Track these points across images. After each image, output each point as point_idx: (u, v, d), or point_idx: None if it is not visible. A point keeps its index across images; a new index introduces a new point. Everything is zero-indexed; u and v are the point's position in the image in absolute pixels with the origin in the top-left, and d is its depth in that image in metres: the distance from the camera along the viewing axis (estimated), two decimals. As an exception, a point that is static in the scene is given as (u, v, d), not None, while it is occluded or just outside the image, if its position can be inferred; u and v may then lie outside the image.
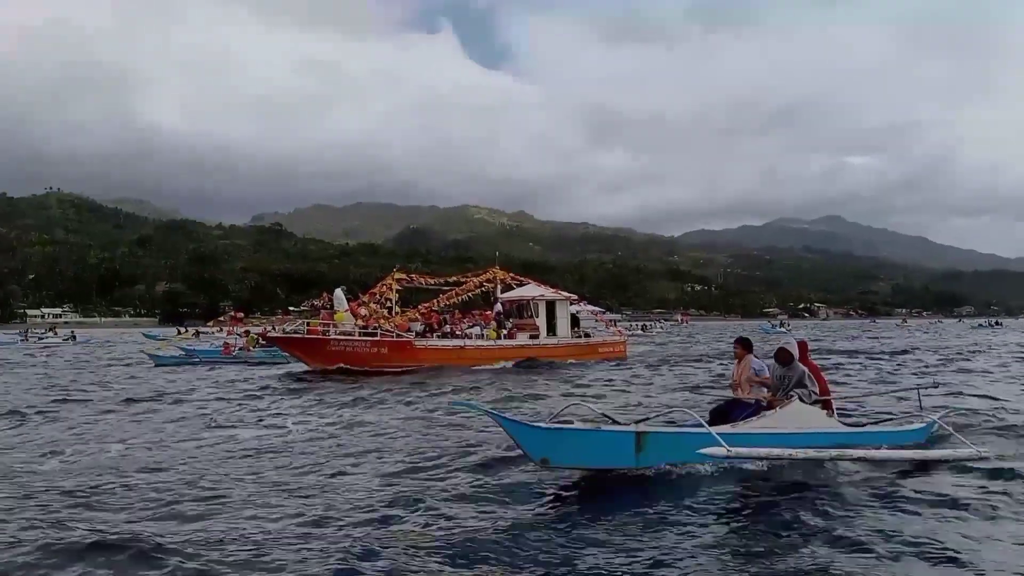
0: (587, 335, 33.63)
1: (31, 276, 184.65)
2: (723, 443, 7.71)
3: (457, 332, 29.69)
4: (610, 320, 41.84)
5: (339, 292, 29.00)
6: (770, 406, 8.68)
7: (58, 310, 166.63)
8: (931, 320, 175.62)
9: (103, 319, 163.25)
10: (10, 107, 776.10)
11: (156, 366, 30.08)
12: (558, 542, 6.05)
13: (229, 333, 35.76)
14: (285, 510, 7.06)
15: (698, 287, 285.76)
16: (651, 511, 6.82)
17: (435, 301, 31.84)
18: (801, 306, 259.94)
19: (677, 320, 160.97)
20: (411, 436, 11.33)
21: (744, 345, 9.30)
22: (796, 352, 8.92)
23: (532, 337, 30.65)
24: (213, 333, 58.30)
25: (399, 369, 25.60)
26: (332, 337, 26.91)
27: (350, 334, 27.07)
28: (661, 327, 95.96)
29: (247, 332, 35.35)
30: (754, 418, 8.48)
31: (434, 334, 29.01)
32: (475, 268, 36.04)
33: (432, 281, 33.53)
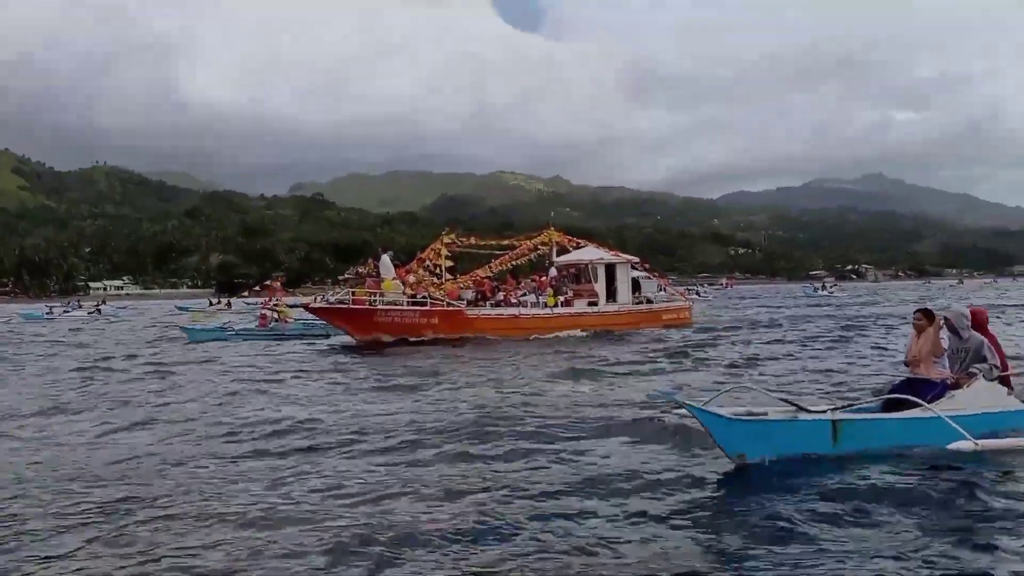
0: (649, 300, 31.49)
1: (87, 249, 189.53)
2: (967, 435, 7.08)
3: (511, 299, 27.71)
4: (676, 283, 39.46)
5: (386, 258, 26.74)
6: (955, 385, 7.86)
7: (119, 282, 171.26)
8: (985, 280, 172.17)
9: (161, 290, 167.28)
10: (56, 79, 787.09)
11: (190, 342, 28.14)
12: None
13: (264, 305, 33.25)
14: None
15: (742, 250, 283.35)
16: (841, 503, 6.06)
17: (487, 267, 30.42)
18: (848, 267, 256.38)
19: (722, 284, 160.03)
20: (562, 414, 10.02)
21: (927, 315, 8.23)
22: (969, 319, 8.12)
23: (591, 304, 28.73)
24: (240, 303, 57.60)
25: (450, 338, 24.22)
26: (379, 307, 25.24)
27: (398, 303, 25.38)
28: (705, 292, 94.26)
29: (275, 305, 32.77)
30: (943, 399, 7.65)
31: (487, 302, 27.29)
32: (515, 235, 33.45)
33: (484, 244, 31.45)
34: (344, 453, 8.22)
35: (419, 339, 24.46)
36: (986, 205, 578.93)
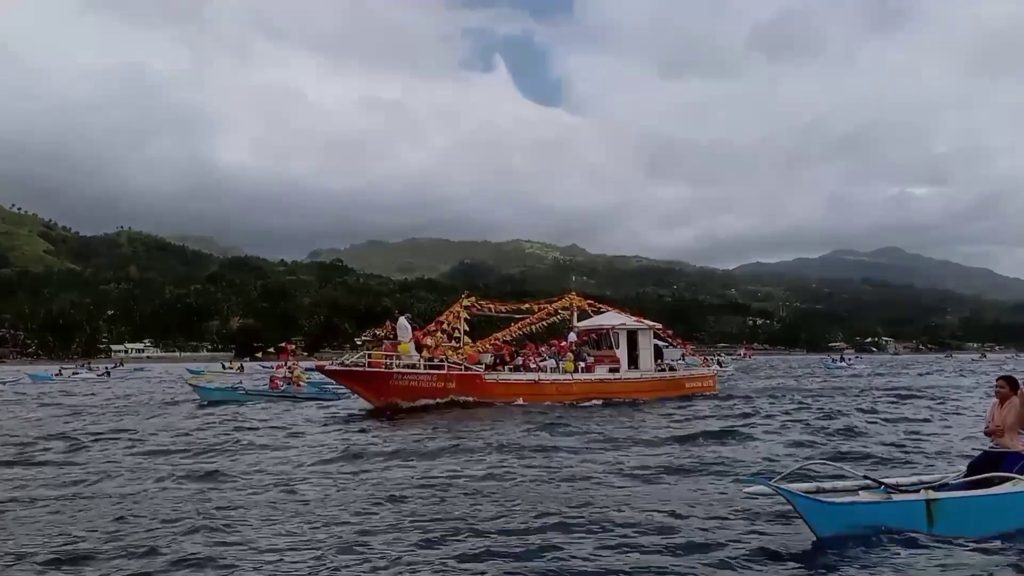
0: (671, 368, 31.00)
1: (110, 312, 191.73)
2: None
3: (531, 364, 27.24)
4: (698, 351, 38.01)
5: (403, 320, 26.20)
6: None
7: (140, 345, 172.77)
8: (1008, 354, 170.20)
9: (182, 353, 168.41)
10: (88, 148, 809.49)
11: (203, 403, 27.93)
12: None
13: (278, 367, 33.20)
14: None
15: (760, 320, 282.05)
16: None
17: (507, 330, 29.94)
18: (868, 340, 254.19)
19: (740, 355, 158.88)
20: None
21: (1011, 383, 7.84)
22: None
23: (612, 370, 28.10)
24: (256, 366, 57.51)
25: (465, 402, 23.97)
26: (395, 370, 24.62)
27: (415, 366, 24.86)
28: (725, 362, 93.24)
29: (291, 366, 32.73)
30: None
31: (505, 366, 26.76)
32: (533, 301, 33.35)
33: (503, 308, 30.74)
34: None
35: (435, 402, 24.08)
36: (1006, 280, 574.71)
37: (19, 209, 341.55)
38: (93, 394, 38.32)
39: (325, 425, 19.68)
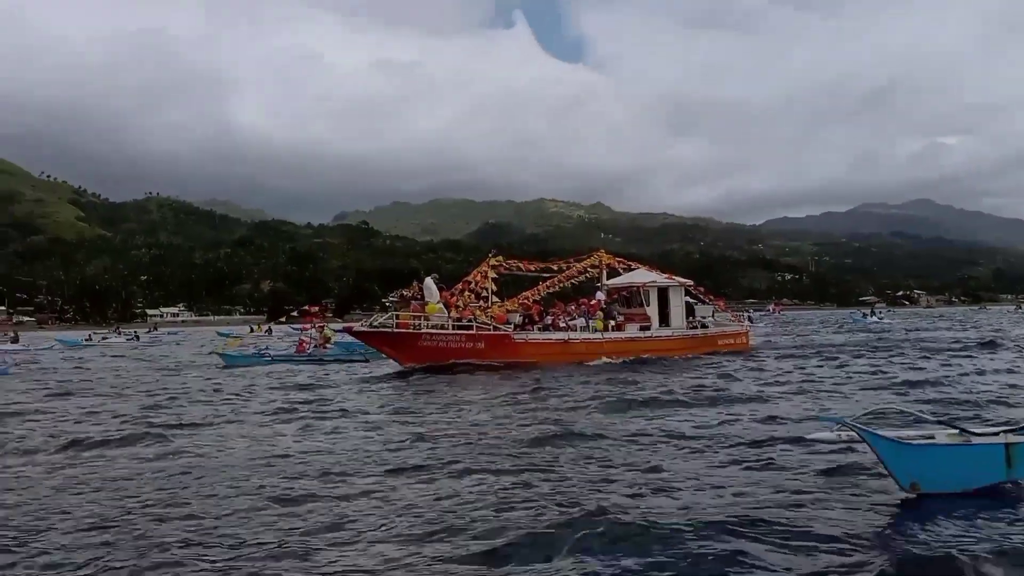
0: (703, 325, 30.27)
1: (143, 277, 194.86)
2: None
3: (559, 324, 26.81)
4: (729, 307, 36.74)
5: (430, 281, 26.01)
6: None
7: (175, 309, 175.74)
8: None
9: (216, 317, 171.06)
10: (110, 112, 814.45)
11: (226, 367, 28.03)
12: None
13: (303, 329, 32.82)
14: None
15: (788, 276, 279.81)
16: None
17: (535, 290, 29.70)
18: (899, 293, 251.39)
19: (770, 310, 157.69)
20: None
21: None
22: None
23: (643, 329, 27.75)
24: (285, 328, 58.06)
25: (496, 365, 23.61)
26: (424, 331, 24.57)
27: (443, 327, 24.77)
28: (757, 317, 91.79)
29: (318, 326, 32.85)
30: None
31: (534, 326, 26.45)
32: (560, 260, 32.46)
33: (532, 267, 30.06)
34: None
35: (465, 362, 23.94)
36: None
37: (49, 176, 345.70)
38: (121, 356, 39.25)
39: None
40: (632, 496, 7.19)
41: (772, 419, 11.60)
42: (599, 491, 7.40)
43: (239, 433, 11.98)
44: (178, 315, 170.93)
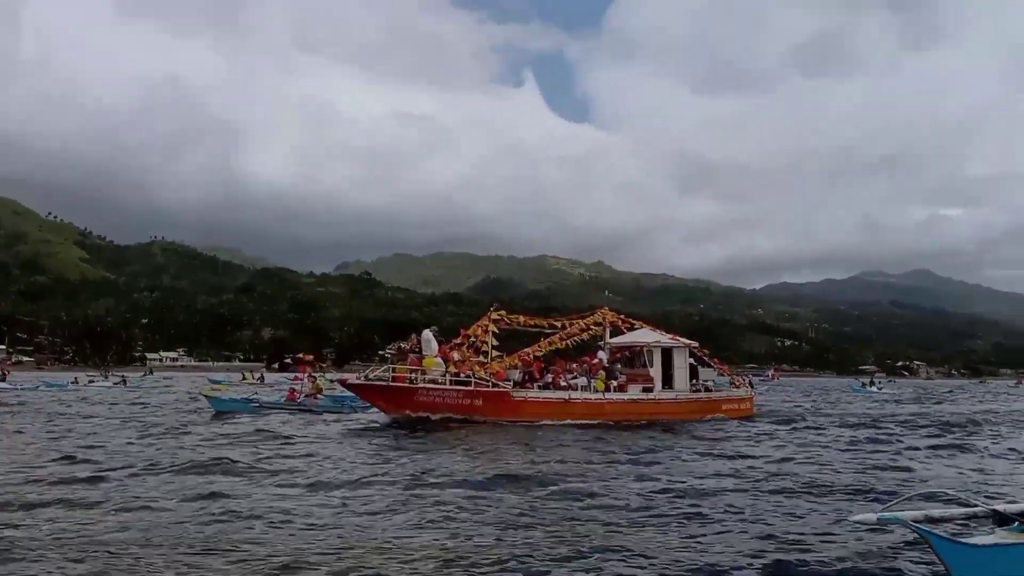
0: (707, 388, 29.68)
1: (144, 320, 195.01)
2: None
3: (560, 382, 26.12)
4: (735, 371, 36.37)
5: (428, 334, 25.40)
6: None
7: (174, 354, 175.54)
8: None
9: (216, 363, 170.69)
10: (120, 158, 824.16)
11: (216, 413, 27.51)
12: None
13: (296, 379, 32.34)
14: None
15: (788, 342, 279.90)
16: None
17: (537, 346, 28.83)
18: (899, 364, 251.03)
19: (768, 375, 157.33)
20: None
21: None
22: None
23: (645, 390, 27.06)
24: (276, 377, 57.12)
25: (490, 423, 23.02)
26: (420, 385, 23.97)
27: (440, 382, 24.21)
28: (757, 382, 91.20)
29: (314, 378, 32.06)
30: None
31: (535, 384, 25.74)
32: (561, 316, 31.81)
33: (534, 323, 29.34)
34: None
35: (463, 419, 23.21)
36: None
37: (56, 218, 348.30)
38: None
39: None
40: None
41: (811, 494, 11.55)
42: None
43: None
44: (177, 359, 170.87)
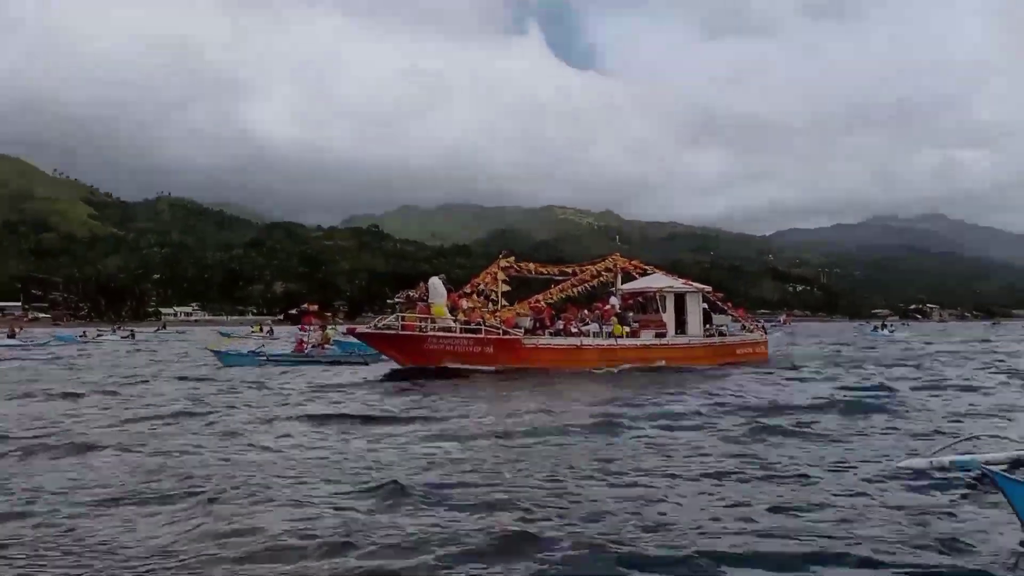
0: (721, 333, 29.22)
1: (155, 276, 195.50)
2: None
3: (571, 329, 25.70)
4: (749, 315, 34.55)
5: (436, 281, 25.04)
6: None
7: (188, 308, 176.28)
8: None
9: (229, 317, 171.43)
10: (127, 114, 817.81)
11: (224, 366, 27.13)
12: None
13: (302, 329, 31.95)
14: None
15: (800, 287, 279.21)
16: None
17: (547, 293, 28.56)
18: (912, 307, 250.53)
19: (780, 321, 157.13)
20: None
21: None
22: None
23: (658, 336, 26.78)
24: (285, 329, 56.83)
25: (500, 370, 22.64)
26: (430, 334, 23.66)
27: (450, 330, 23.88)
28: (770, 328, 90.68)
29: (323, 327, 32.05)
30: None
31: (545, 331, 25.30)
32: (575, 264, 31.06)
33: (543, 270, 28.83)
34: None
35: (476, 369, 22.72)
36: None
37: (62, 175, 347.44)
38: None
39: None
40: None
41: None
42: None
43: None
44: (191, 314, 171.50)
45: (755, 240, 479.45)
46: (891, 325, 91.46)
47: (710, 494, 7.56)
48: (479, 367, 22.85)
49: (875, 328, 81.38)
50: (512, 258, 27.90)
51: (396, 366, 24.03)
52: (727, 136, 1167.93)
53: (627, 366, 23.89)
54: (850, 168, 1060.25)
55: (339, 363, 27.92)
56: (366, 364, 26.61)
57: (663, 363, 25.05)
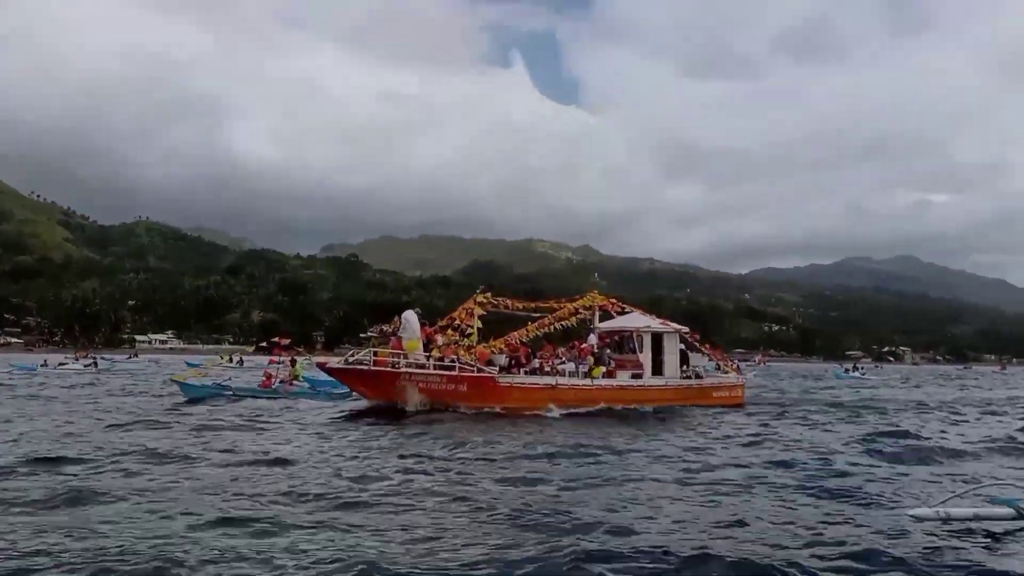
0: (698, 375, 28.83)
1: (131, 302, 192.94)
2: None
3: (547, 367, 25.08)
4: (727, 358, 34.30)
5: (410, 315, 24.38)
6: None
7: (163, 336, 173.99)
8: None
9: (205, 346, 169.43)
10: (105, 134, 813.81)
11: (187, 400, 26.14)
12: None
13: (271, 362, 30.88)
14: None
15: (775, 327, 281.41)
16: None
17: (524, 330, 27.73)
18: (885, 349, 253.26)
19: (755, 361, 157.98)
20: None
21: None
22: None
23: (635, 376, 26.41)
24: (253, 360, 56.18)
25: (474, 411, 22.19)
26: (402, 370, 22.93)
27: (423, 366, 23.23)
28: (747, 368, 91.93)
29: (294, 361, 30.93)
30: None
31: (520, 369, 24.78)
32: (547, 300, 30.56)
33: (521, 307, 28.08)
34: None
35: (449, 408, 22.38)
36: (1020, 291, 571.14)
37: (38, 196, 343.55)
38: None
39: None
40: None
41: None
42: None
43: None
44: (166, 342, 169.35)
45: (732, 278, 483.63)
46: (862, 368, 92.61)
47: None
48: (453, 404, 22.55)
49: (846, 370, 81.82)
50: (489, 294, 27.64)
51: (362, 404, 23.54)
52: (705, 172, 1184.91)
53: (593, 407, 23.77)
54: (825, 207, 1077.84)
55: (308, 399, 27.20)
56: (332, 401, 25.97)
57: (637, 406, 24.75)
